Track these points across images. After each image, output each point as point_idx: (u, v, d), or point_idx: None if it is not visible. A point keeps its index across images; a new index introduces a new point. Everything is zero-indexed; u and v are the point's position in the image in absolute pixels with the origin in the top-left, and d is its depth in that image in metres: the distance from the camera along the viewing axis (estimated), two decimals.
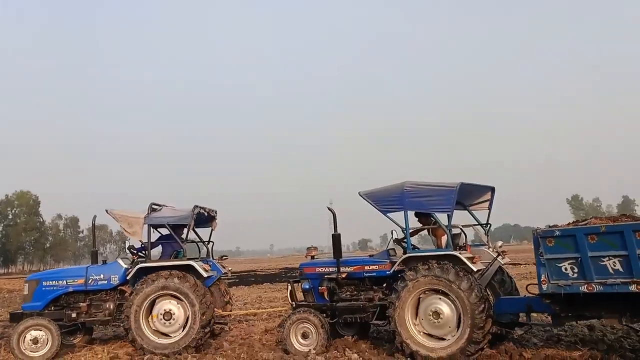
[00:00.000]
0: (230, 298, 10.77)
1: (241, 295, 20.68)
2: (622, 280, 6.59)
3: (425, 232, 9.39)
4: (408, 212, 8.68)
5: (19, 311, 10.24)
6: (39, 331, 9.44)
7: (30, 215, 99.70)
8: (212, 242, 11.02)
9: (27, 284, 10.25)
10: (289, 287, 9.84)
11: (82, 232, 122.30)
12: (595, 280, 6.76)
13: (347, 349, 8.66)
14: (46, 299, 9.97)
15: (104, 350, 9.86)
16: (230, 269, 10.73)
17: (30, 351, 9.37)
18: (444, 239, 8.84)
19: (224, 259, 11.05)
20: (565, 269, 7.02)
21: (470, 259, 8.21)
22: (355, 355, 8.31)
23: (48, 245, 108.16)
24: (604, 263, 6.73)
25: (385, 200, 8.82)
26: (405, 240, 8.84)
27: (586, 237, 6.80)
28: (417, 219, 9.28)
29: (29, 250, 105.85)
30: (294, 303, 9.60)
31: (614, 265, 6.68)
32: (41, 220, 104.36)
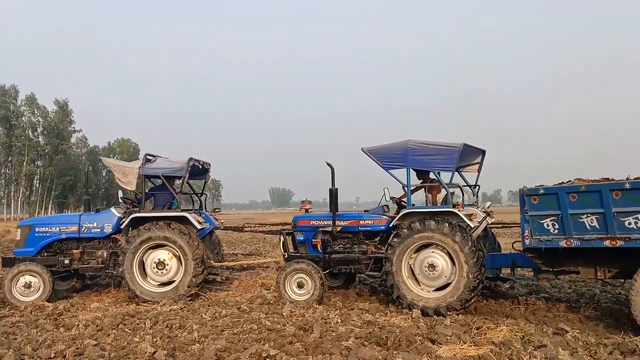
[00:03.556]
0: (221, 250, 11.31)
1: None
2: (598, 236, 7.40)
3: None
4: (410, 169, 9.33)
5: (10, 256, 10.66)
6: (31, 276, 9.91)
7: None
8: (205, 194, 11.58)
9: (19, 229, 10.69)
10: (282, 239, 10.48)
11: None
12: (574, 236, 7.56)
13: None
14: (38, 245, 10.45)
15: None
16: (222, 221, 11.25)
17: (22, 295, 9.83)
18: (439, 196, 9.64)
19: (217, 211, 11.55)
20: (547, 225, 7.78)
21: (469, 216, 8.98)
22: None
23: (147, 190, 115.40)
24: (582, 220, 7.51)
25: (388, 157, 9.44)
26: (404, 197, 9.67)
27: (567, 196, 7.53)
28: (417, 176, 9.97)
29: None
30: (286, 254, 10.28)
31: (591, 222, 7.45)
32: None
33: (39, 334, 7.32)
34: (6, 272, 10.09)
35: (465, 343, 6.44)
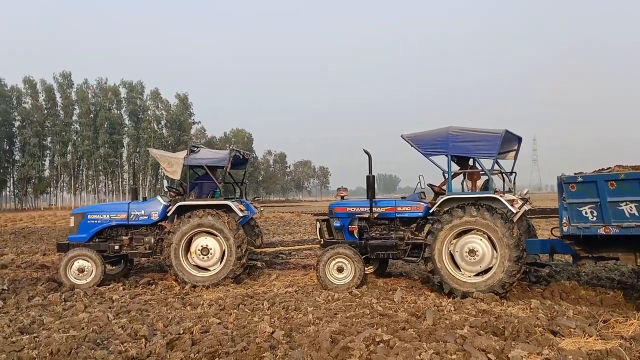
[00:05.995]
0: (262, 236, 11.42)
1: None
2: (637, 224, 7.02)
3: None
4: (451, 156, 9.16)
5: (65, 242, 11.35)
6: (84, 261, 10.45)
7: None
8: (245, 183, 11.67)
9: (73, 217, 11.31)
10: (318, 225, 10.61)
11: (289, 167, 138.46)
12: (613, 224, 7.21)
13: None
14: (91, 232, 11.01)
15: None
16: (262, 209, 11.31)
17: (77, 279, 10.38)
18: (479, 183, 9.47)
19: (256, 200, 11.68)
20: (585, 212, 7.50)
21: (510, 202, 8.76)
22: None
23: (260, 178, 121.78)
24: (621, 208, 7.17)
25: (429, 144, 9.31)
26: (443, 185, 9.65)
27: (606, 184, 7.20)
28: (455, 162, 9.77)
29: (244, 183, 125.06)
30: (322, 240, 10.40)
31: (631, 210, 7.09)
32: (254, 155, 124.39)
33: (169, 311, 7.89)
34: (61, 257, 10.77)
35: (590, 336, 6.01)
